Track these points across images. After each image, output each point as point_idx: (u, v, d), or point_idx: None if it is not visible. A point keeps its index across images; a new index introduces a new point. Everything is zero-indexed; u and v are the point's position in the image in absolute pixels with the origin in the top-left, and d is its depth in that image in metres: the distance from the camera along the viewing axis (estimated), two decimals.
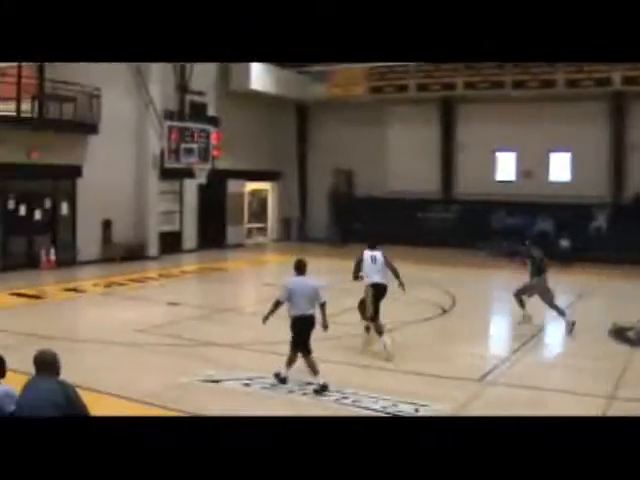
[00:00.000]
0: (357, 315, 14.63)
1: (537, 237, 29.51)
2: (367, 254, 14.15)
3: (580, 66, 30.55)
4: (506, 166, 34.92)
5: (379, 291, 13.98)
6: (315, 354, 11.68)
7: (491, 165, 35.06)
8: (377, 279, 13.98)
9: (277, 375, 12.09)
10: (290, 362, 12.02)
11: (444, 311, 18.28)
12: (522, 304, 16.78)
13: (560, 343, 16.73)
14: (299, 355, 11.94)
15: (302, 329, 11.79)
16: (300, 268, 11.98)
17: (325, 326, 11.92)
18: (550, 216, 30.68)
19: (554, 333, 17.21)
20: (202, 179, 25.85)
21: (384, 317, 14.10)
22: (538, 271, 16.44)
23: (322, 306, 11.84)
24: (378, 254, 14.18)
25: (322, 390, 11.55)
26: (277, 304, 11.96)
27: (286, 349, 11.82)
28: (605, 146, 32.18)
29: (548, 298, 16.43)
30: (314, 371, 11.74)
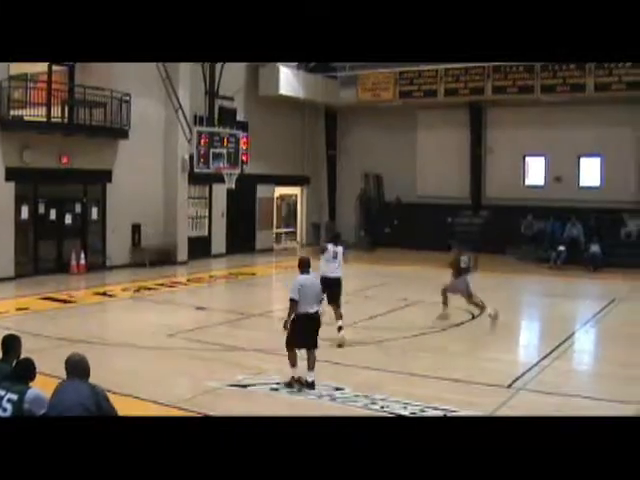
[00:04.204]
0: (386, 321, 14.55)
1: (567, 242, 29.40)
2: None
3: (610, 69, 30.32)
4: (536, 171, 34.77)
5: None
6: (343, 360, 11.55)
7: (520, 170, 34.90)
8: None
9: (302, 382, 12.00)
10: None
11: (473, 317, 18.17)
12: None
13: (591, 349, 16.62)
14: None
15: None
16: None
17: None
18: (580, 221, 30.36)
19: (585, 339, 17.10)
20: (231, 184, 25.83)
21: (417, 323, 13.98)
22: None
23: None
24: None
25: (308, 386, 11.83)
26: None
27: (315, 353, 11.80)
28: (636, 151, 31.77)
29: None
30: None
